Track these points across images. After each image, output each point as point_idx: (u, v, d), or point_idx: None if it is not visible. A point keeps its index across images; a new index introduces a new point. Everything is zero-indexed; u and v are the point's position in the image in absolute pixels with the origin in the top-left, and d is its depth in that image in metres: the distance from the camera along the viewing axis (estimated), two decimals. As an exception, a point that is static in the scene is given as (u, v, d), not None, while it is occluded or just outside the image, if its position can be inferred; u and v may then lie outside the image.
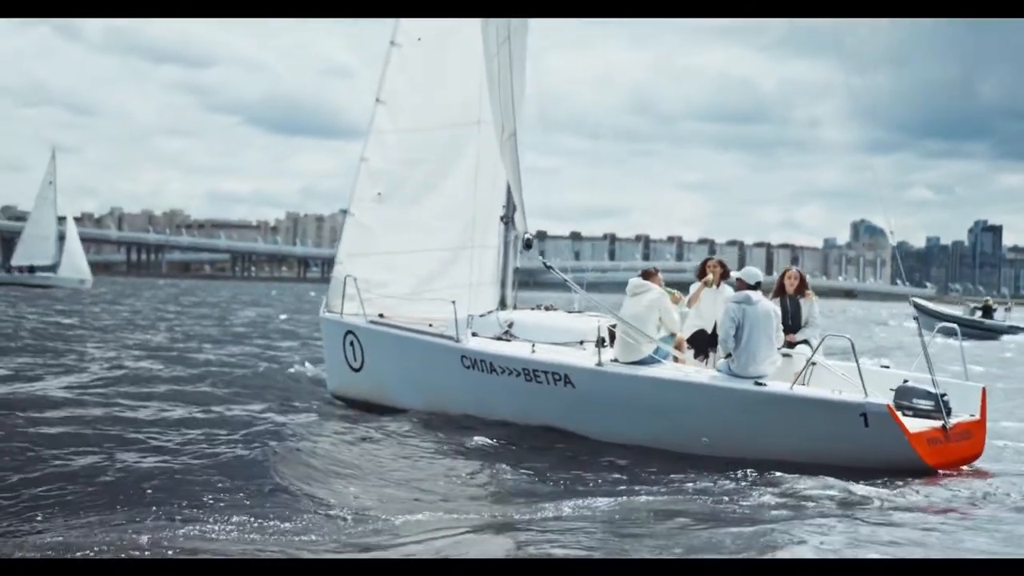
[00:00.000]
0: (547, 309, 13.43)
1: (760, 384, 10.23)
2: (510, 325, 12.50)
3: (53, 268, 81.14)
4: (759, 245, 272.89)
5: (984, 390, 10.86)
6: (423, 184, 13.80)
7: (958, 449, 10.31)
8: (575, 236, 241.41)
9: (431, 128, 13.65)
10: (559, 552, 6.87)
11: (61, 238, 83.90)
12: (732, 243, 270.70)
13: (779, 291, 11.97)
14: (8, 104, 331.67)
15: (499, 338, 12.34)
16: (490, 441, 10.99)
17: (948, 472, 10.07)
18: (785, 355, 11.13)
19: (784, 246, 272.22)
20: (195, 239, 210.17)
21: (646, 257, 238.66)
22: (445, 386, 12.24)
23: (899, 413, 10.21)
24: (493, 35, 11.96)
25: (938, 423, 10.20)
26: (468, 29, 12.86)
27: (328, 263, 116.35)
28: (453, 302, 11.77)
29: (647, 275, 11.45)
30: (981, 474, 10.27)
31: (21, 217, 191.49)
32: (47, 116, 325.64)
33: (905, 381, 10.82)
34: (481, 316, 12.81)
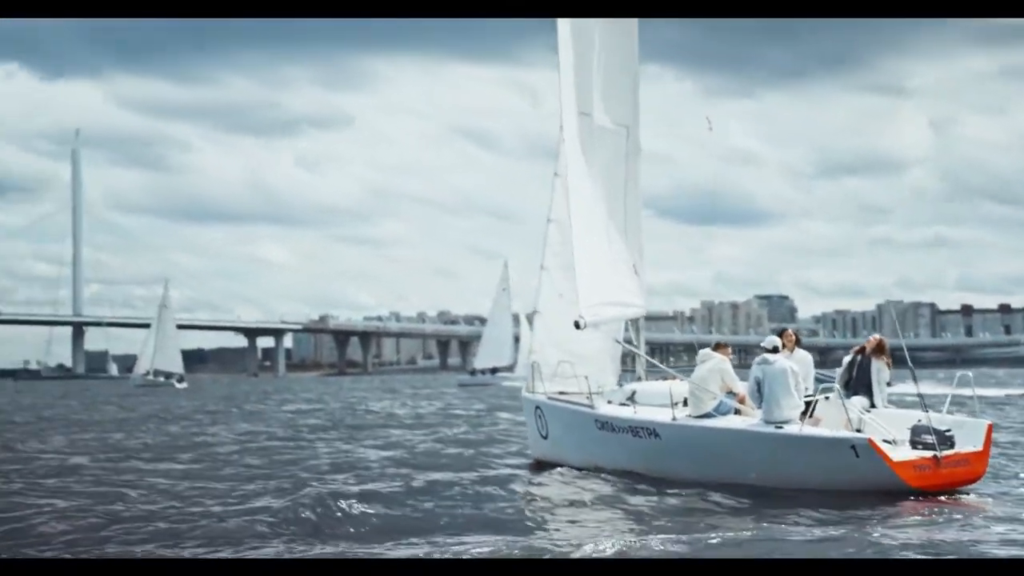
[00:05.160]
0: (664, 379, 15.47)
1: (779, 428, 12.08)
2: (633, 393, 14.85)
3: (511, 368, 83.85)
4: None
5: (990, 426, 12.19)
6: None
7: (950, 475, 11.71)
8: (1004, 308, 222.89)
9: None
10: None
11: (515, 339, 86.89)
12: None
13: (860, 350, 13.71)
14: (437, 214, 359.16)
15: (623, 404, 14.66)
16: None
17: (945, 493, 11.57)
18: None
19: None
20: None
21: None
22: (590, 445, 14.57)
23: (909, 447, 11.75)
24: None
25: (929, 453, 11.62)
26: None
27: (744, 349, 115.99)
28: (586, 377, 14.46)
29: (717, 347, 13.60)
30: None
31: (454, 321, 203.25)
32: (472, 224, 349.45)
33: (919, 421, 12.21)
34: (613, 389, 15.35)
